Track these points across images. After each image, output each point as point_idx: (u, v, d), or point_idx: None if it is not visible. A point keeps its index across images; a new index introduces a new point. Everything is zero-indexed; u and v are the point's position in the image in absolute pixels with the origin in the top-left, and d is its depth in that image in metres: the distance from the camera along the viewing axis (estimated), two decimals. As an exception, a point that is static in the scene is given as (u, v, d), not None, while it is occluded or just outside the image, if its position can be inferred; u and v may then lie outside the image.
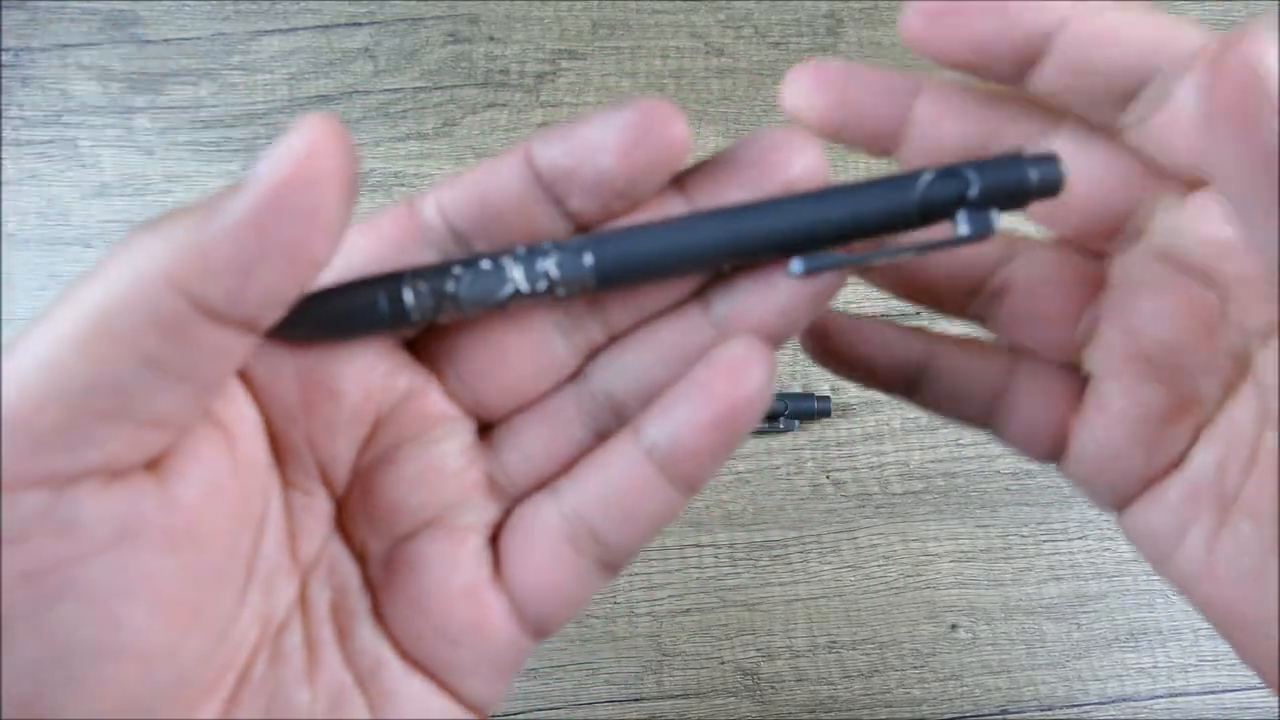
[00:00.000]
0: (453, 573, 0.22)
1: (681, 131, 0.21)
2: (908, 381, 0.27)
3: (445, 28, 0.48)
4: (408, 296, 0.21)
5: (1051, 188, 0.22)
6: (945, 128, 0.24)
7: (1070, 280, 0.25)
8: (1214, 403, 0.24)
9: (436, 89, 0.48)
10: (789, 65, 0.52)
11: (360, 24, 0.48)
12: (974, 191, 0.22)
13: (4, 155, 0.47)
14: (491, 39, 0.48)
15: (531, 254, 0.21)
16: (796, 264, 0.22)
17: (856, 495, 0.43)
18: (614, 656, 0.40)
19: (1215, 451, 0.24)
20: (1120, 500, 0.26)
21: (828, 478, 0.44)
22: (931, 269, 0.26)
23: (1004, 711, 0.39)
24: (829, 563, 0.42)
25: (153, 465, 0.19)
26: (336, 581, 0.23)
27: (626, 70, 0.48)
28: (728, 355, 0.22)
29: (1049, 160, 0.22)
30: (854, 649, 0.40)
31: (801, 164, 0.22)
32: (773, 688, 0.40)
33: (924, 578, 0.41)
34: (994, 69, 0.22)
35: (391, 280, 0.21)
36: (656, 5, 0.49)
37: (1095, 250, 0.25)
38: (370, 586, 0.23)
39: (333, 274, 0.21)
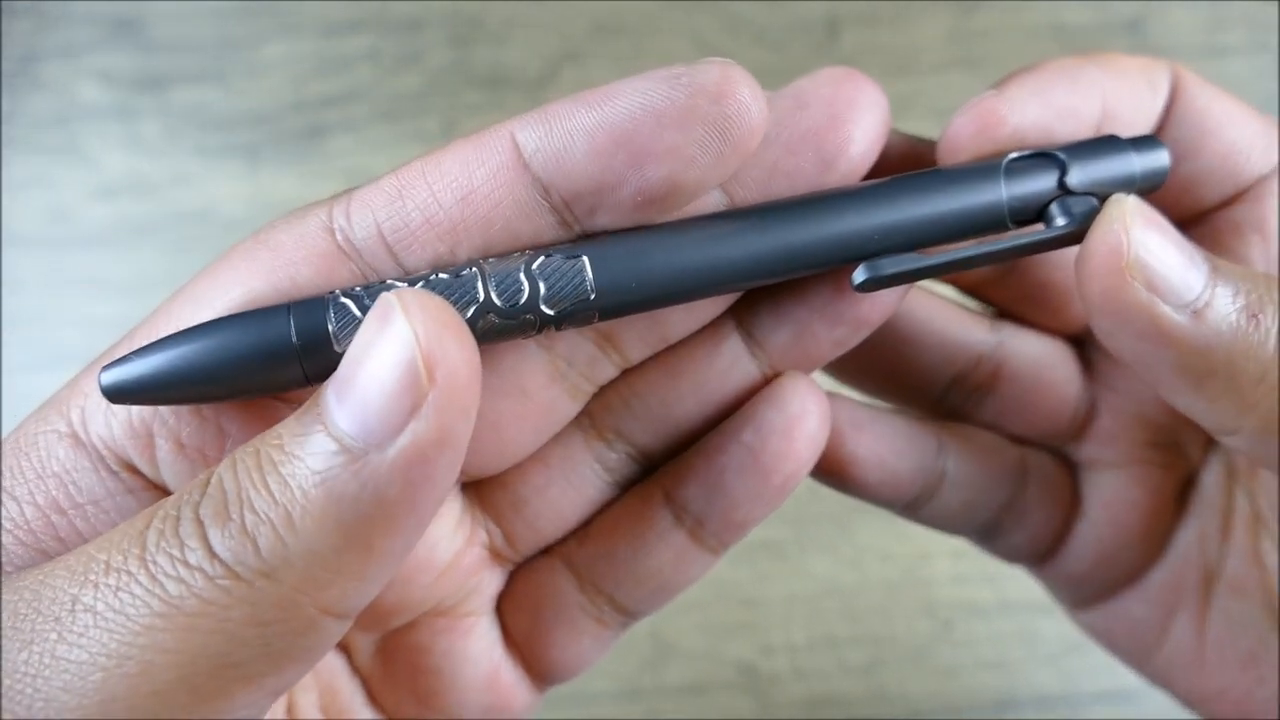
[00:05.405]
0: (466, 666, 0.19)
1: (760, 116, 0.15)
2: (917, 494, 0.23)
3: (447, 30, 0.49)
4: (333, 329, 0.15)
5: (1154, 180, 0.18)
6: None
7: (1061, 365, 0.23)
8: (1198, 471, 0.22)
9: (439, 91, 0.48)
10: (787, 67, 0.52)
11: (363, 27, 0.49)
12: (1074, 179, 0.17)
13: (10, 158, 0.47)
14: (493, 41, 0.49)
15: (504, 265, 0.16)
16: (860, 273, 0.17)
17: (854, 494, 0.44)
18: (613, 652, 0.40)
19: (1194, 526, 0.22)
20: (1100, 596, 0.23)
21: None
22: (910, 355, 0.22)
23: (1000, 707, 0.40)
24: (827, 560, 0.42)
25: None
26: (322, 680, 0.19)
27: (627, 72, 0.48)
28: (782, 419, 0.18)
29: (1150, 144, 0.18)
30: (851, 646, 0.41)
31: (862, 139, 0.17)
32: (771, 683, 0.40)
33: (920, 575, 0.42)
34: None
35: (308, 310, 0.15)
36: (656, 8, 0.49)
37: (1073, 336, 0.23)
38: (361, 675, 0.20)
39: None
